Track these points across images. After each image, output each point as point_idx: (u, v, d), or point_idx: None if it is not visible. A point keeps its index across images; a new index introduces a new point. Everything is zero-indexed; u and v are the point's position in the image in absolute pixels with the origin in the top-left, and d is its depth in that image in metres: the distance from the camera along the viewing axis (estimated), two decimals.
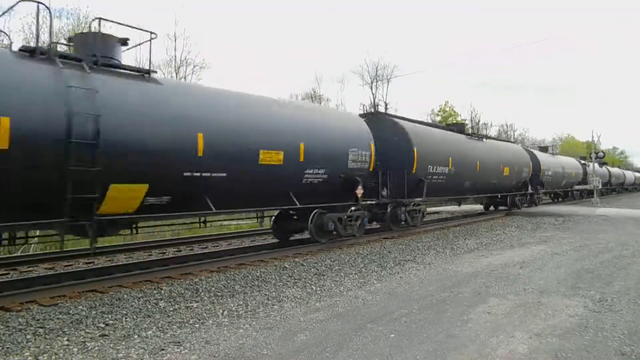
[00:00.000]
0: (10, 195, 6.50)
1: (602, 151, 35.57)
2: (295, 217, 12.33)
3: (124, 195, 7.60)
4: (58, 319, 5.94)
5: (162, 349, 4.98)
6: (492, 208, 24.60)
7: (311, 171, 10.85)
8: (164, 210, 8.58)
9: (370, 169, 12.80)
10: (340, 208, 12.11)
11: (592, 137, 33.40)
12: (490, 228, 16.96)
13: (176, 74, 33.37)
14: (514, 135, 67.04)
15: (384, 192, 14.19)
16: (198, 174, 8.46)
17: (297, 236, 13.31)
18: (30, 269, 9.82)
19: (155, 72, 8.64)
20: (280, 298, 7.19)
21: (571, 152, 46.48)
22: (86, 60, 7.47)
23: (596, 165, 32.82)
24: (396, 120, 15.51)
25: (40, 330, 5.56)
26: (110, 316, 6.14)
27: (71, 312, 6.19)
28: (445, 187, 16.82)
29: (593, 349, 4.76)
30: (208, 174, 8.64)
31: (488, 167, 19.64)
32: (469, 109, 68.22)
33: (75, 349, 5.01)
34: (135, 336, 5.43)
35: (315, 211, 11.40)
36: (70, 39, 9.14)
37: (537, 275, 8.43)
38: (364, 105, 16.17)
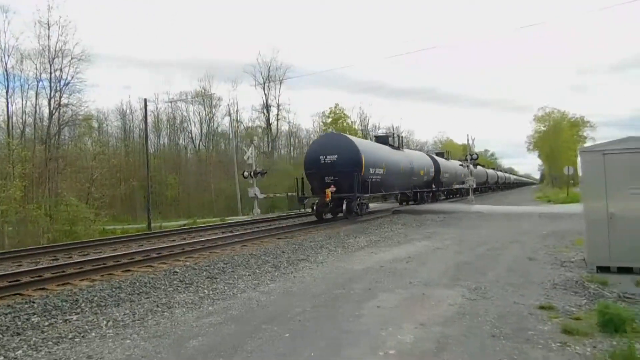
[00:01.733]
0: None
1: (476, 153, 38.94)
2: None
3: None
4: None
5: None
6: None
7: None
8: None
9: None
10: None
11: (467, 140, 36.49)
12: (379, 226, 17.80)
13: (50, 64, 30.45)
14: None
15: None
16: None
17: None
18: None
19: None
20: (171, 304, 6.88)
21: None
22: None
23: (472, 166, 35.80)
24: None
25: None
26: None
27: None
28: None
29: (470, 333, 5.18)
30: None
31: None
32: (358, 111, 70.83)
33: None
34: (1, 357, 4.84)
35: None
36: None
37: (422, 269, 8.99)
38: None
